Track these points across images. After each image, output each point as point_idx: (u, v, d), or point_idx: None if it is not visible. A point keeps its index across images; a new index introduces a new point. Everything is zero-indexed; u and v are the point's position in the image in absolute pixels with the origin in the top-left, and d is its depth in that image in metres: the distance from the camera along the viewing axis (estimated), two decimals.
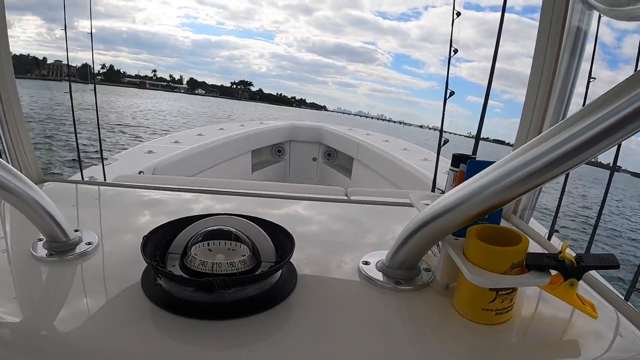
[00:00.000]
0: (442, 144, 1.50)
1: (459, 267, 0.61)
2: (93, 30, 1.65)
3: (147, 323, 0.60)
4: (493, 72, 1.07)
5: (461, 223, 0.62)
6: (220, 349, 0.56)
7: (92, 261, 0.76)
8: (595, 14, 0.82)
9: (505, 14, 1.04)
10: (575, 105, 0.89)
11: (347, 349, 0.57)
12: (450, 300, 0.67)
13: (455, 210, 0.60)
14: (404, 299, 0.68)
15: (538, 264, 0.61)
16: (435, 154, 1.61)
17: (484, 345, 0.60)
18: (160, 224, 0.74)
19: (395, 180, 2.79)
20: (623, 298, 0.78)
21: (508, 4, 1.08)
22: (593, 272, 0.80)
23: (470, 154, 0.75)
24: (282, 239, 0.72)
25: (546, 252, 0.62)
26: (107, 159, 2.40)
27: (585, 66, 0.87)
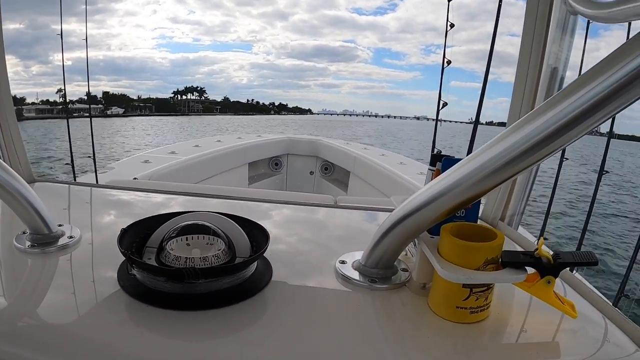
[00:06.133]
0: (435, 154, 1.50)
1: (432, 263, 0.60)
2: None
3: (121, 313, 0.61)
4: (489, 70, 1.08)
5: (435, 219, 0.61)
6: (191, 339, 0.56)
7: (72, 254, 0.78)
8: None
9: None
10: None
11: (320, 345, 0.56)
12: (426, 299, 0.66)
13: (428, 207, 0.60)
14: (380, 297, 0.67)
15: (513, 260, 0.60)
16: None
17: (459, 344, 0.58)
18: (140, 219, 0.75)
19: (392, 194, 2.76)
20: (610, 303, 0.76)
21: None
22: (580, 277, 0.79)
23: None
24: (257, 235, 0.73)
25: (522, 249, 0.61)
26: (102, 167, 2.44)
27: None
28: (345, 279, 0.70)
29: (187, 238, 0.68)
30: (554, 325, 0.64)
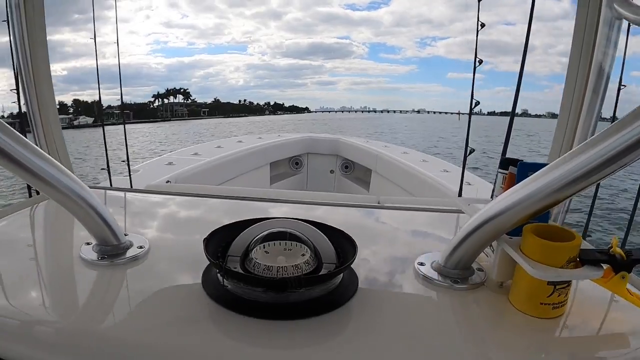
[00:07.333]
0: (467, 154, 1.53)
1: (519, 263, 0.64)
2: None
3: (208, 324, 0.61)
4: (524, 63, 1.12)
5: (518, 222, 0.64)
6: (283, 348, 0.57)
7: (144, 265, 0.77)
8: (625, 23, 0.88)
9: None
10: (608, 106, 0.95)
11: (412, 349, 0.58)
12: (505, 297, 0.69)
13: (513, 210, 0.62)
14: (461, 297, 0.70)
15: (591, 258, 0.64)
16: (455, 166, 1.65)
17: (542, 338, 0.62)
18: (218, 227, 0.75)
19: (416, 192, 2.78)
20: None
21: None
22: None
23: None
24: (341, 241, 0.74)
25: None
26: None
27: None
28: (428, 280, 0.73)
29: (269, 244, 0.69)
30: (621, 318, 0.68)
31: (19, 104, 1.08)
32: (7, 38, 1.07)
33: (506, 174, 0.74)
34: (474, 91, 1.36)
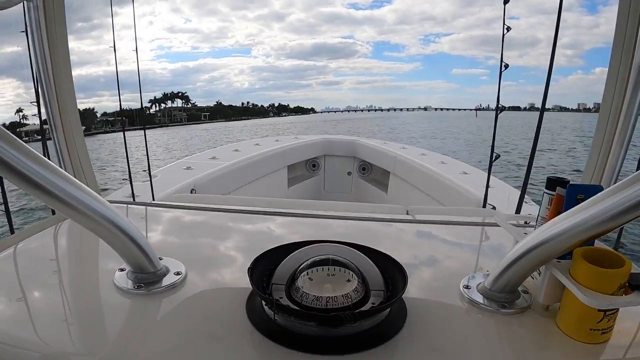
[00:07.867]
0: (493, 159, 1.53)
1: (570, 290, 0.63)
2: None
3: (257, 359, 0.60)
4: (553, 57, 1.12)
5: (569, 248, 0.63)
6: None
7: (182, 292, 0.74)
8: None
9: None
10: None
11: None
12: (551, 320, 0.69)
13: (565, 236, 0.61)
14: (507, 322, 0.69)
15: None
16: (474, 167, 1.64)
17: None
18: (260, 253, 0.73)
19: (435, 194, 2.75)
20: None
21: None
22: None
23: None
24: (384, 263, 0.72)
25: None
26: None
27: None
28: (473, 304, 0.72)
29: (307, 272, 0.67)
30: None
31: (39, 111, 1.04)
32: (16, 48, 1.03)
33: (553, 195, 0.72)
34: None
